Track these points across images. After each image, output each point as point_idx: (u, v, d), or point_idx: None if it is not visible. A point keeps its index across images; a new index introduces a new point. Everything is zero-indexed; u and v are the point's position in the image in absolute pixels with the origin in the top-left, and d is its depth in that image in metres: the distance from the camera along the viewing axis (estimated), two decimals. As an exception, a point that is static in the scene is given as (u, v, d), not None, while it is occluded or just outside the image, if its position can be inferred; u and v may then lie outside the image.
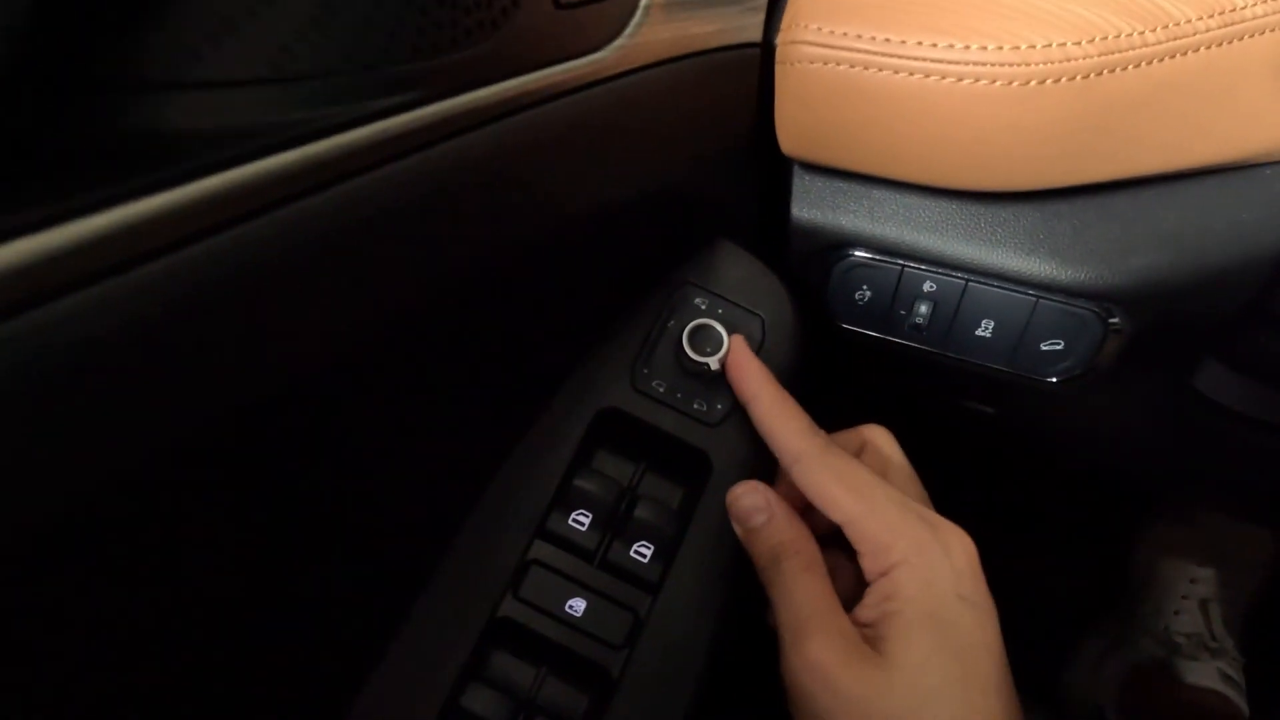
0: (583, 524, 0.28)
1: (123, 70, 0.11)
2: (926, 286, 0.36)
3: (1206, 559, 0.74)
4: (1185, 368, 0.40)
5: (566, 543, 0.28)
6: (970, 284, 0.35)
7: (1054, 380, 0.36)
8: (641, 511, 0.28)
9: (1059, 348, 0.35)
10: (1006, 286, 0.34)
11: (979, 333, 0.36)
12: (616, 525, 0.28)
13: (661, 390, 0.30)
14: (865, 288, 0.37)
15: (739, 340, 0.31)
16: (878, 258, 0.36)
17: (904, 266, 0.36)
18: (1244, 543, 0.74)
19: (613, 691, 0.26)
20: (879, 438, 0.30)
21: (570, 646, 0.27)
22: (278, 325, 0.15)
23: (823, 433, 0.28)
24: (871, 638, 0.23)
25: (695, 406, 0.30)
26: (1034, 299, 0.34)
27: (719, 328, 0.30)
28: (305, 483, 0.19)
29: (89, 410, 0.12)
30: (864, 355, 0.40)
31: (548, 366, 0.30)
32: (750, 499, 0.27)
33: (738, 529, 0.28)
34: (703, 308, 0.32)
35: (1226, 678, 0.68)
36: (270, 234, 0.14)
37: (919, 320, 0.37)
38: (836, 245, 0.36)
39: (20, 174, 0.10)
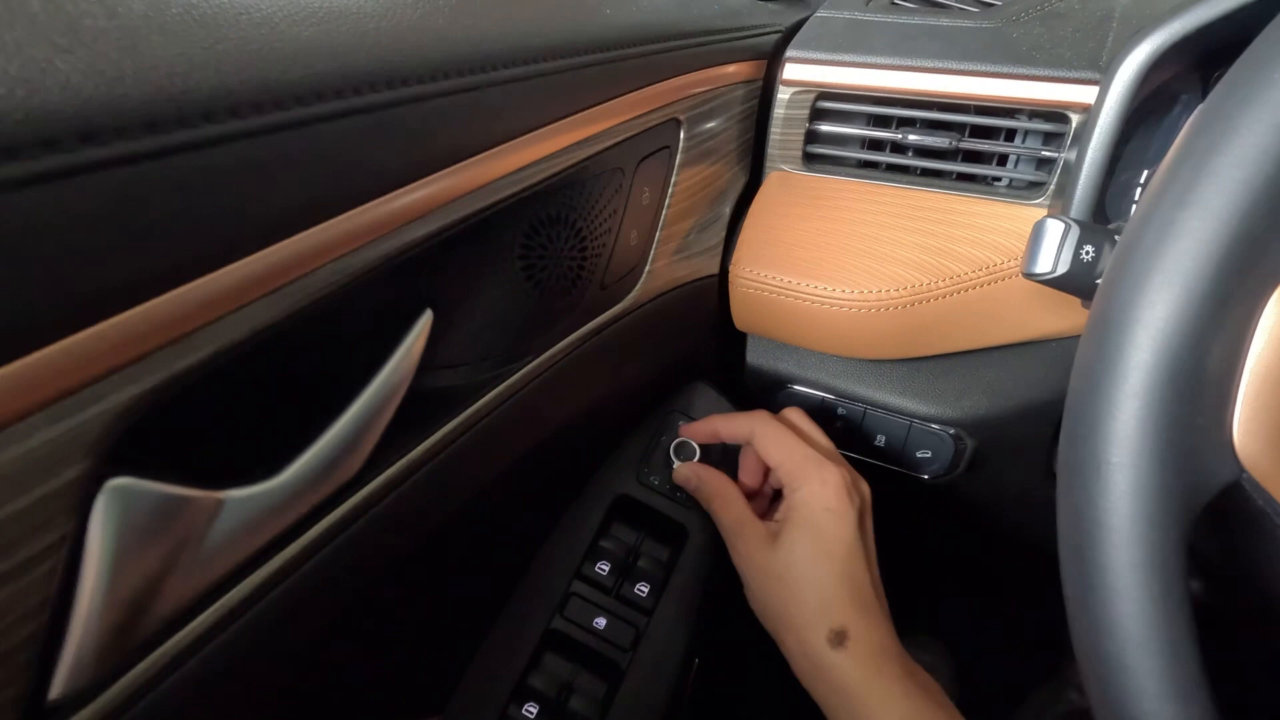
0: (605, 570, 0.44)
1: (431, 362, 0.29)
2: (839, 410, 0.53)
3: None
4: (1038, 465, 0.56)
5: (594, 582, 0.44)
6: (868, 410, 0.52)
7: (926, 478, 0.52)
8: (642, 563, 0.44)
9: (929, 456, 0.51)
10: (890, 414, 0.51)
11: (876, 443, 0.53)
12: (626, 571, 0.44)
13: (656, 483, 0.47)
14: (800, 409, 0.54)
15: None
16: (806, 391, 0.53)
17: (824, 397, 0.53)
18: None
19: (621, 679, 0.42)
20: (794, 415, 0.46)
21: (596, 649, 0.42)
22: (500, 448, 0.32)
23: (765, 413, 0.44)
24: (776, 531, 0.40)
25: (677, 495, 0.47)
26: (909, 423, 0.51)
27: (692, 442, 0.47)
28: (467, 545, 0.36)
29: None
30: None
31: (585, 467, 0.47)
32: (681, 473, 0.45)
33: (687, 488, 0.45)
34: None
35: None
36: (501, 415, 0.31)
37: (836, 431, 0.54)
38: (778, 382, 0.54)
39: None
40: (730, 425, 0.45)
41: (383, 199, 0.22)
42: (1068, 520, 0.25)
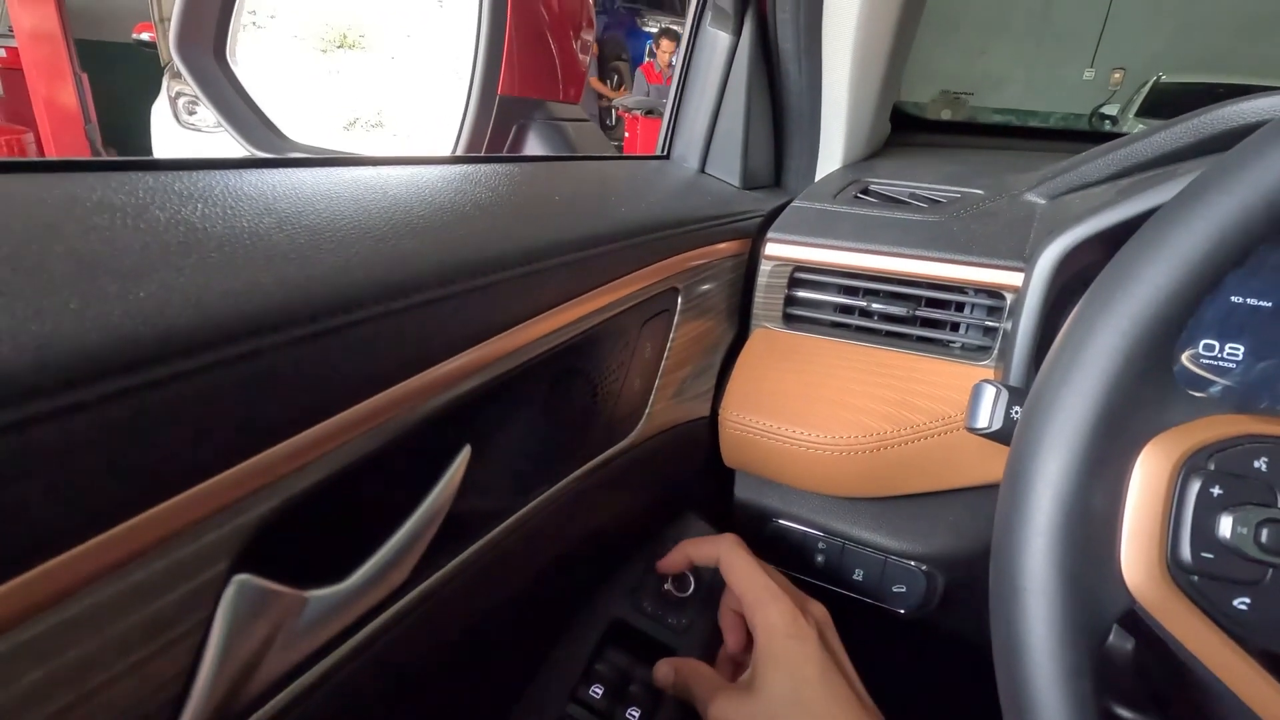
0: (599, 694, 0.47)
1: (466, 489, 0.34)
2: (820, 545, 0.57)
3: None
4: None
5: (589, 705, 0.46)
6: (846, 545, 0.56)
7: (903, 612, 0.56)
8: (634, 687, 0.47)
9: (903, 590, 0.55)
10: (867, 549, 0.55)
11: (854, 577, 0.56)
12: (619, 695, 0.47)
13: (649, 609, 0.50)
14: (784, 542, 0.59)
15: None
16: (790, 524, 0.58)
17: (806, 531, 0.57)
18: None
19: None
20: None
21: (588, 775, 0.44)
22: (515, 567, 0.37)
23: (731, 537, 0.48)
24: (750, 680, 0.41)
25: (669, 621, 0.50)
26: (884, 558, 0.55)
27: (688, 575, 0.51)
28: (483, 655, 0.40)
29: None
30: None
31: (585, 588, 0.50)
32: (662, 670, 0.46)
33: (665, 685, 0.46)
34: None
35: None
36: (518, 538, 0.36)
37: (818, 565, 0.58)
38: (764, 516, 0.58)
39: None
40: (699, 549, 0.49)
41: (448, 361, 0.29)
42: (997, 639, 0.29)
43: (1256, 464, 0.27)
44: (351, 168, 0.33)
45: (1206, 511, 0.27)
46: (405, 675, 0.32)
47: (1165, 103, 5.91)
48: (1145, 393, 0.28)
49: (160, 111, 3.75)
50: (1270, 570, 0.27)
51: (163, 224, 0.21)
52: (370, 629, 0.28)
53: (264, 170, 0.28)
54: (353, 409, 0.24)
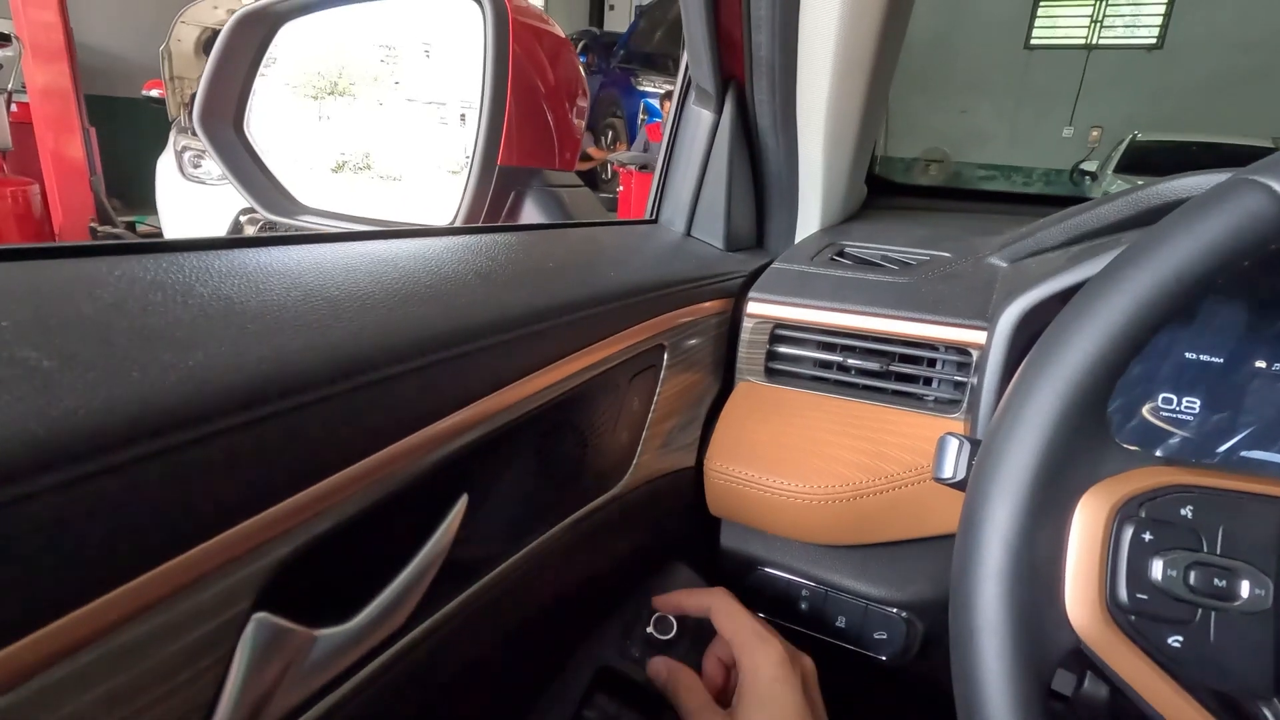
0: (587, 737, 0.48)
1: (462, 536, 0.36)
2: (803, 592, 0.59)
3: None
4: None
5: (577, 751, 0.48)
6: (829, 592, 0.58)
7: (885, 659, 0.57)
8: (622, 732, 0.48)
9: (884, 637, 0.57)
10: (849, 596, 0.57)
11: (837, 624, 0.58)
12: (607, 739, 0.48)
13: (636, 655, 0.52)
14: (769, 589, 0.60)
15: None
16: (774, 572, 0.60)
17: (790, 579, 0.59)
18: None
19: None
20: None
21: (576, 820, 0.45)
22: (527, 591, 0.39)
23: (723, 590, 0.50)
24: (733, 711, 0.43)
25: (656, 666, 0.52)
26: (865, 605, 0.57)
27: (671, 618, 0.53)
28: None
29: None
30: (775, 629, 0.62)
31: (574, 635, 0.52)
32: (654, 666, 0.48)
33: (656, 682, 0.48)
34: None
35: None
36: (509, 584, 0.38)
37: (802, 612, 0.59)
38: (749, 563, 0.60)
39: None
40: (693, 599, 0.51)
41: (449, 417, 0.31)
42: (956, 676, 0.31)
43: (1183, 511, 0.30)
44: (366, 242, 0.36)
45: (1140, 556, 0.30)
46: (402, 716, 0.34)
47: (1142, 159, 6.13)
48: (1081, 447, 0.31)
49: (165, 165, 3.85)
50: (1199, 610, 0.29)
51: (206, 299, 0.24)
52: (370, 669, 0.30)
53: (289, 247, 0.32)
54: (363, 461, 0.27)
